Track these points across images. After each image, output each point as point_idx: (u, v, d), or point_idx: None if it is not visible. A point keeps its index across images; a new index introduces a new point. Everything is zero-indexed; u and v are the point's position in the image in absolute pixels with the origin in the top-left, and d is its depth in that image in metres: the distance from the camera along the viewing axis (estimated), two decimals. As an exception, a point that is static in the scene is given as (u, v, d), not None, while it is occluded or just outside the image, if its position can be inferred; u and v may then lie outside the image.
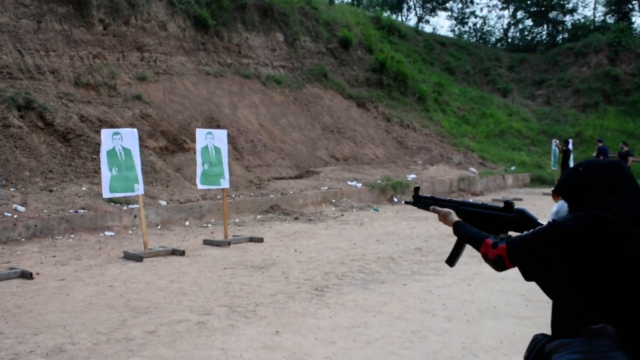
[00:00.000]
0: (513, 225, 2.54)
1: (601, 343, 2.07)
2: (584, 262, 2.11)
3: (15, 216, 9.80)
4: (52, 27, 15.20)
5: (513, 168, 23.44)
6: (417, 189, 2.98)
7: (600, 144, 20.60)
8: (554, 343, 2.19)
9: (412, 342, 5.06)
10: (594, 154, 20.68)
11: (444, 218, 2.71)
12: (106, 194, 8.99)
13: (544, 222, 2.36)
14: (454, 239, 2.74)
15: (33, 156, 11.84)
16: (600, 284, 2.10)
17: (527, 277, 2.31)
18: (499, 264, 2.30)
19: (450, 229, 2.72)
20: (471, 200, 2.85)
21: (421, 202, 2.91)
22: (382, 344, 5.01)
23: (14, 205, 10.09)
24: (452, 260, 2.78)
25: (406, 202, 3.13)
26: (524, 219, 2.52)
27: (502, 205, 2.62)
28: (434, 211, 2.78)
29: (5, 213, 9.79)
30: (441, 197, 2.92)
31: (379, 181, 16.77)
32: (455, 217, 2.66)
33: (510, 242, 2.28)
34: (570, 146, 20.46)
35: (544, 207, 14.27)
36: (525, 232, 2.29)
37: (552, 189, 2.87)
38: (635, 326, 2.09)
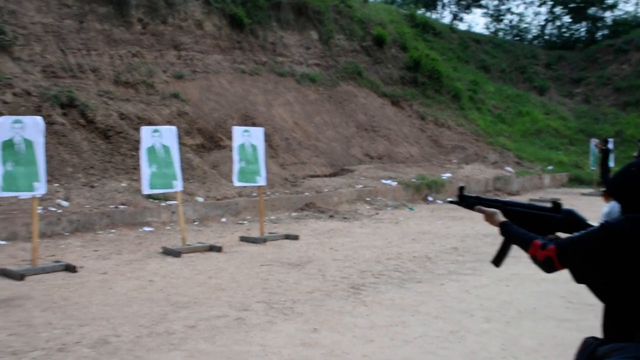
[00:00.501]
0: (561, 226, 2.51)
1: None
2: (636, 265, 2.09)
3: (60, 211, 10.05)
4: (93, 27, 15.50)
5: (550, 168, 23.09)
6: (461, 189, 2.97)
7: None
8: (606, 347, 2.16)
9: (450, 342, 5.06)
10: (635, 154, 20.23)
11: (490, 218, 2.70)
12: (146, 190, 9.14)
13: (594, 224, 2.35)
14: (491, 239, 2.76)
15: (75, 153, 12.11)
16: None
17: (578, 279, 2.29)
18: (548, 266, 2.28)
19: (487, 229, 2.72)
20: (518, 201, 2.83)
21: (466, 201, 2.90)
22: (420, 343, 5.01)
23: (58, 200, 10.35)
24: (498, 260, 2.76)
25: (450, 202, 3.13)
26: (573, 220, 2.49)
27: (549, 205, 2.60)
28: (480, 211, 2.76)
29: (50, 208, 10.05)
30: (487, 196, 2.90)
31: (413, 180, 16.71)
32: (501, 218, 2.63)
33: (560, 244, 2.25)
34: (610, 145, 20.07)
35: (583, 208, 13.99)
36: (575, 234, 2.26)
37: (603, 189, 2.82)
38: None
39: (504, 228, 2.58)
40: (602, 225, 2.18)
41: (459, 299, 6.43)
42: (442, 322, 5.58)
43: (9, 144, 7.41)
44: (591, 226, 2.32)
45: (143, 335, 5.11)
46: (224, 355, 4.68)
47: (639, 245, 2.08)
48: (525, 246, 2.39)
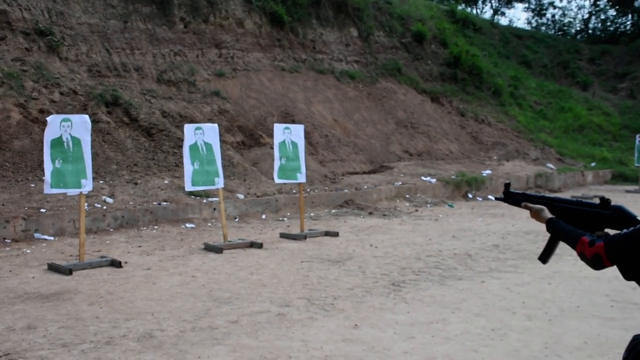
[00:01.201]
0: (610, 222, 2.47)
1: None
2: None
3: (105, 207, 10.26)
4: (137, 27, 15.78)
5: (593, 164, 22.61)
6: (507, 185, 2.93)
7: None
8: None
9: (492, 339, 5.01)
10: None
11: (536, 215, 2.66)
12: (188, 187, 9.24)
13: None
14: (532, 236, 2.73)
15: (119, 150, 12.35)
16: None
17: (627, 276, 2.24)
18: (596, 263, 2.24)
19: (529, 226, 2.70)
20: (565, 197, 2.78)
21: (512, 198, 2.86)
22: (461, 340, 4.97)
23: (103, 197, 10.58)
24: (545, 257, 2.73)
25: (497, 199, 3.09)
26: (623, 216, 2.44)
27: (597, 201, 2.56)
28: (526, 208, 2.73)
29: (96, 204, 10.27)
30: (533, 193, 2.86)
31: (453, 177, 16.56)
32: (548, 214, 2.60)
33: (609, 240, 2.21)
34: (656, 142, 19.59)
35: (627, 205, 13.70)
36: (625, 230, 2.22)
37: None
38: None
39: (551, 225, 2.54)
40: (652, 221, 2.15)
41: (500, 297, 6.35)
42: (483, 320, 5.53)
43: (57, 142, 7.60)
44: (642, 222, 2.27)
45: (187, 330, 5.19)
46: (266, 350, 4.72)
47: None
48: (573, 243, 2.35)
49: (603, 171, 22.14)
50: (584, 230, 2.40)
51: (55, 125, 7.62)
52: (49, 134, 7.58)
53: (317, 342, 4.89)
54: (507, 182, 3.01)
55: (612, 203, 2.51)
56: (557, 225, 2.51)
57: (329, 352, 4.69)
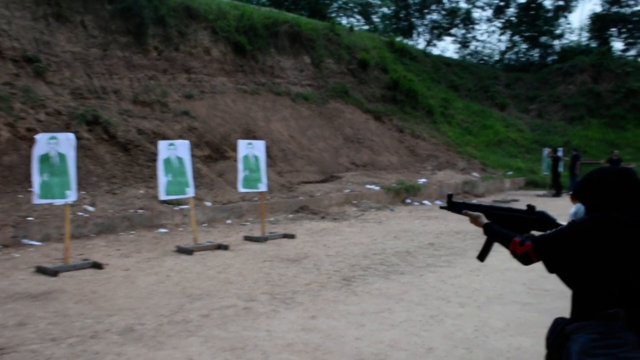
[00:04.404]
0: (535, 225, 2.56)
1: (614, 325, 2.12)
2: (599, 256, 2.15)
3: (87, 215, 9.98)
4: (115, 54, 15.44)
5: (510, 173, 23.20)
6: (450, 196, 2.98)
7: (575, 152, 20.52)
8: (573, 325, 2.23)
9: (431, 325, 5.08)
10: (575, 159, 20.26)
11: (474, 220, 2.72)
12: (162, 196, 9.05)
13: (563, 223, 2.39)
14: (461, 235, 2.79)
15: (99, 164, 12.03)
16: (612, 274, 2.14)
17: (550, 269, 2.33)
18: (525, 259, 2.33)
19: (459, 227, 2.75)
20: (498, 205, 2.86)
21: (454, 206, 2.92)
22: (405, 326, 5.03)
23: (85, 206, 10.28)
24: (482, 256, 2.79)
25: (441, 207, 3.13)
26: (545, 220, 2.54)
27: (525, 208, 2.64)
28: (466, 214, 2.78)
29: (78, 213, 9.98)
30: (471, 202, 2.92)
31: (393, 185, 16.74)
32: (485, 219, 2.67)
33: (536, 240, 2.31)
34: (560, 154, 20.30)
35: (538, 206, 14.08)
36: (548, 231, 2.32)
37: (571, 192, 2.88)
38: None
39: (487, 228, 2.61)
40: (569, 224, 2.24)
41: (436, 288, 6.44)
42: (423, 308, 5.60)
43: (45, 158, 7.38)
44: (560, 225, 2.36)
45: (164, 324, 5.09)
46: (235, 340, 4.67)
47: (601, 240, 2.14)
48: (506, 243, 2.44)
49: (518, 179, 22.75)
50: (514, 232, 2.48)
51: (43, 143, 7.41)
52: (38, 151, 7.35)
53: (280, 332, 4.87)
54: (450, 193, 3.06)
55: (537, 209, 2.60)
56: (492, 228, 2.58)
57: (291, 340, 4.67)
